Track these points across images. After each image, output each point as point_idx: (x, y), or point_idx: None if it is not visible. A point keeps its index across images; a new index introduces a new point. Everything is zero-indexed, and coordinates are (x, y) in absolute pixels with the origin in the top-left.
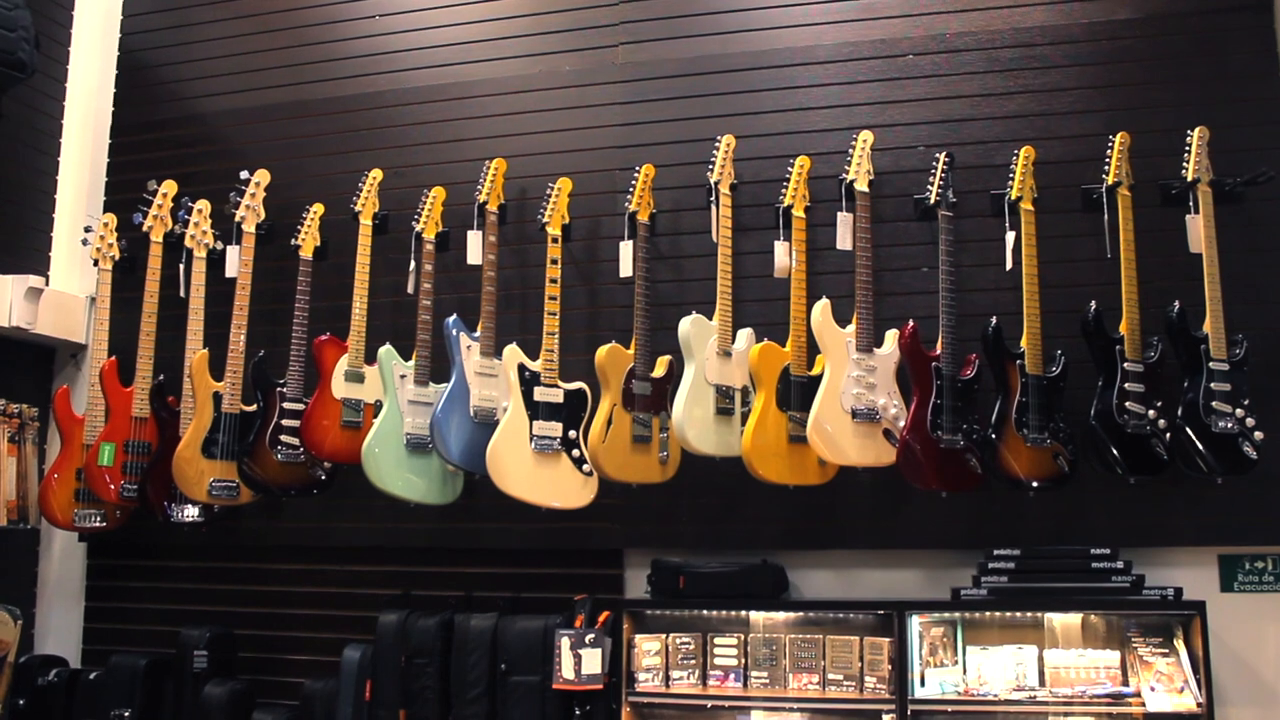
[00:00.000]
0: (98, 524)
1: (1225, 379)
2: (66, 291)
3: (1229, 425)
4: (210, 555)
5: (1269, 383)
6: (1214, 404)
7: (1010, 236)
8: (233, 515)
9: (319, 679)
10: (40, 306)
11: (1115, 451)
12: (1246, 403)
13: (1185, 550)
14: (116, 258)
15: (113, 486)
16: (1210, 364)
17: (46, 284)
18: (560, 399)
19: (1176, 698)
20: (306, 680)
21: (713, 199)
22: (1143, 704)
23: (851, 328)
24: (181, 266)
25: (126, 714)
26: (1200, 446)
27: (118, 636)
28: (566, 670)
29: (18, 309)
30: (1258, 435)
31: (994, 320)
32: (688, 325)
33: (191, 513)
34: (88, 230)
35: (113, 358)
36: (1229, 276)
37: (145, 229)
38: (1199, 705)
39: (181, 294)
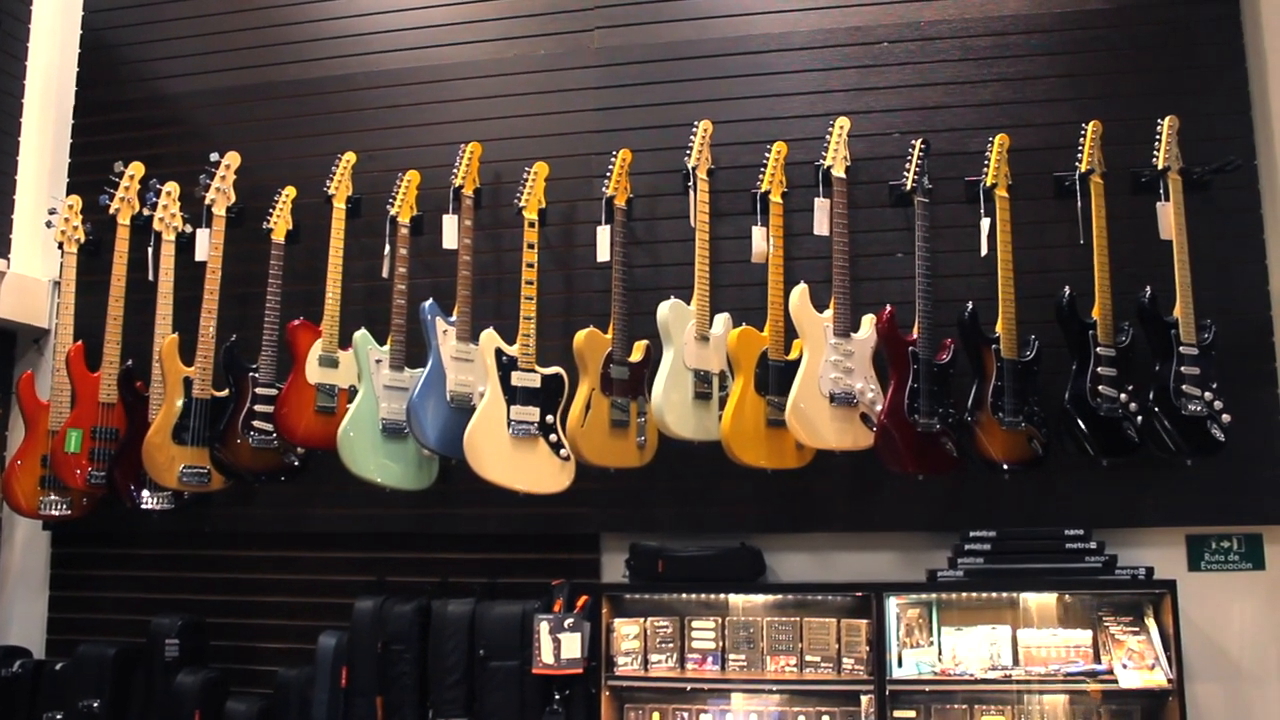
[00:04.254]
0: (64, 512)
1: (1195, 363)
2: (28, 275)
3: (1198, 408)
4: (180, 542)
5: (1236, 366)
6: (1184, 387)
7: (985, 223)
8: (204, 502)
9: (293, 667)
10: (1, 290)
11: (1088, 434)
12: (1215, 386)
13: (1154, 531)
14: (82, 240)
15: (80, 473)
16: (1180, 348)
17: (8, 267)
18: (537, 384)
19: (1148, 674)
20: (281, 668)
21: (690, 184)
22: (1115, 681)
23: (829, 313)
24: (150, 250)
25: (95, 705)
26: (1170, 429)
27: (84, 626)
28: (546, 655)
29: None
30: (1225, 418)
31: (970, 305)
32: (666, 310)
33: (161, 499)
34: (52, 212)
35: (79, 342)
36: (1198, 263)
37: (112, 211)
38: (1170, 681)
39: (150, 278)
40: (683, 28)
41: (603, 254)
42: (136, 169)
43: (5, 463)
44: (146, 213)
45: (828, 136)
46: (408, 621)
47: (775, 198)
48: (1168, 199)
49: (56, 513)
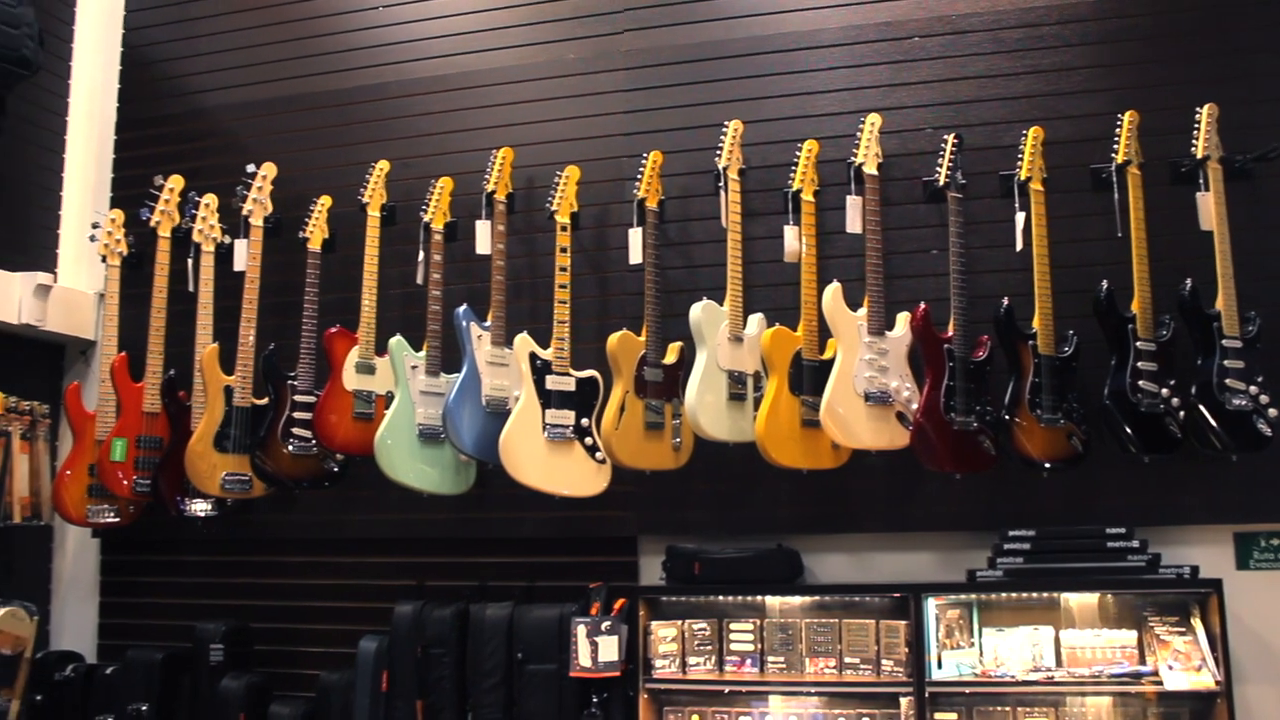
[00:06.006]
0: (111, 519)
1: (1238, 356)
2: (75, 288)
3: (1243, 402)
4: (224, 549)
5: None
6: (1228, 381)
7: (1020, 217)
8: (245, 508)
9: (335, 671)
10: (49, 304)
11: (1129, 430)
12: (1260, 379)
13: (1200, 529)
14: (124, 253)
15: (125, 482)
16: (1223, 341)
17: (55, 281)
18: (572, 387)
19: (1195, 676)
20: (323, 672)
21: (721, 184)
22: (1160, 683)
23: (863, 311)
24: (190, 261)
25: (144, 708)
26: (1214, 424)
27: (133, 631)
28: (584, 658)
29: (27, 306)
30: (1272, 412)
31: (1006, 301)
32: (699, 311)
33: (205, 507)
34: (95, 226)
35: (123, 353)
36: (1240, 253)
37: (153, 224)
38: (1217, 683)
39: (190, 288)
40: (712, 28)
41: (635, 256)
42: (176, 182)
43: (56, 472)
44: (186, 225)
45: (859, 133)
46: (446, 625)
47: (807, 196)
48: (1208, 189)
49: (104, 520)
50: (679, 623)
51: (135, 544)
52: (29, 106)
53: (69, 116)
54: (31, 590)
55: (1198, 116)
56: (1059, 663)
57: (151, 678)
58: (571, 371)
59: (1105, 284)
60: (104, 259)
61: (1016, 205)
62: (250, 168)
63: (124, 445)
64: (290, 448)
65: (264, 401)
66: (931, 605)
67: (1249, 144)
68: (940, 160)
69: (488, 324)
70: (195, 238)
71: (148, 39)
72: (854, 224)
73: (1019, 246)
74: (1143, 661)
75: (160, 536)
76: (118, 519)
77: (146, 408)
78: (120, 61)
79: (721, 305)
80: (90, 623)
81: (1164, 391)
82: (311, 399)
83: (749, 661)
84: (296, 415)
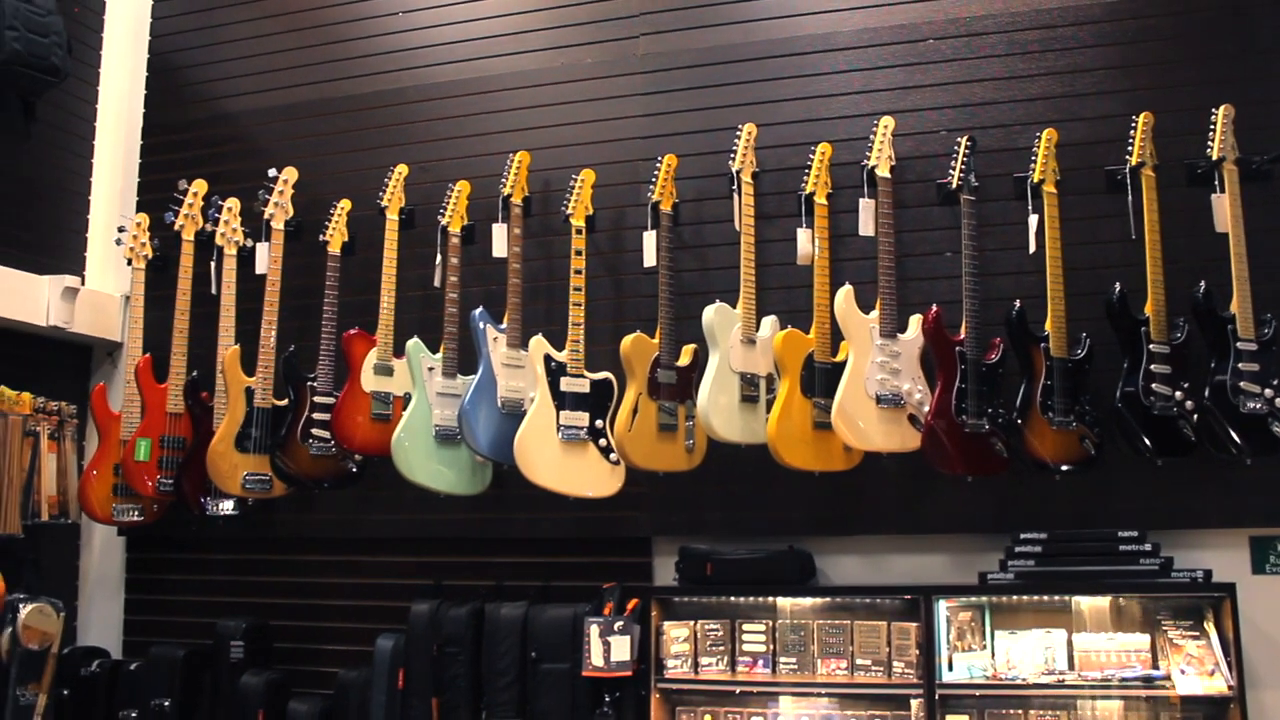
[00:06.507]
0: (136, 518)
1: (1253, 359)
2: (102, 291)
3: (1258, 406)
4: (245, 548)
5: None
6: (1242, 384)
7: (1033, 219)
8: (266, 508)
9: (353, 668)
10: (77, 306)
11: (1142, 433)
12: (1275, 383)
13: (1215, 532)
14: (149, 256)
15: (149, 481)
16: (1238, 344)
17: (82, 284)
18: (586, 389)
19: (1207, 680)
20: (341, 669)
21: (735, 188)
22: (1173, 687)
23: (875, 314)
24: (213, 264)
25: (166, 704)
26: (1228, 427)
27: (157, 628)
28: (596, 657)
29: (55, 309)
30: None
31: (1018, 304)
32: (712, 314)
33: (226, 506)
34: (121, 230)
35: (147, 355)
36: (1256, 256)
37: (177, 228)
38: (1230, 688)
39: (213, 291)
40: (727, 32)
41: (649, 259)
42: (200, 186)
43: (83, 471)
44: (209, 228)
45: (872, 136)
46: (462, 625)
47: (820, 199)
48: (1223, 190)
49: (129, 519)
50: (691, 623)
51: (159, 542)
52: (58, 113)
53: (97, 122)
54: (59, 587)
55: (1213, 118)
56: (1071, 666)
57: (174, 674)
58: (586, 373)
59: (1118, 286)
60: (129, 262)
61: (1030, 207)
62: (272, 172)
63: (148, 445)
64: (310, 448)
65: (284, 402)
66: (943, 607)
67: (1265, 145)
68: (953, 162)
69: (503, 326)
70: (218, 241)
71: (173, 46)
72: (867, 227)
73: (1032, 249)
74: (1155, 665)
75: (183, 535)
76: (142, 518)
77: (170, 408)
78: (147, 68)
79: (735, 308)
80: (115, 619)
81: (1177, 394)
82: (330, 400)
83: (761, 662)
84: (316, 416)
